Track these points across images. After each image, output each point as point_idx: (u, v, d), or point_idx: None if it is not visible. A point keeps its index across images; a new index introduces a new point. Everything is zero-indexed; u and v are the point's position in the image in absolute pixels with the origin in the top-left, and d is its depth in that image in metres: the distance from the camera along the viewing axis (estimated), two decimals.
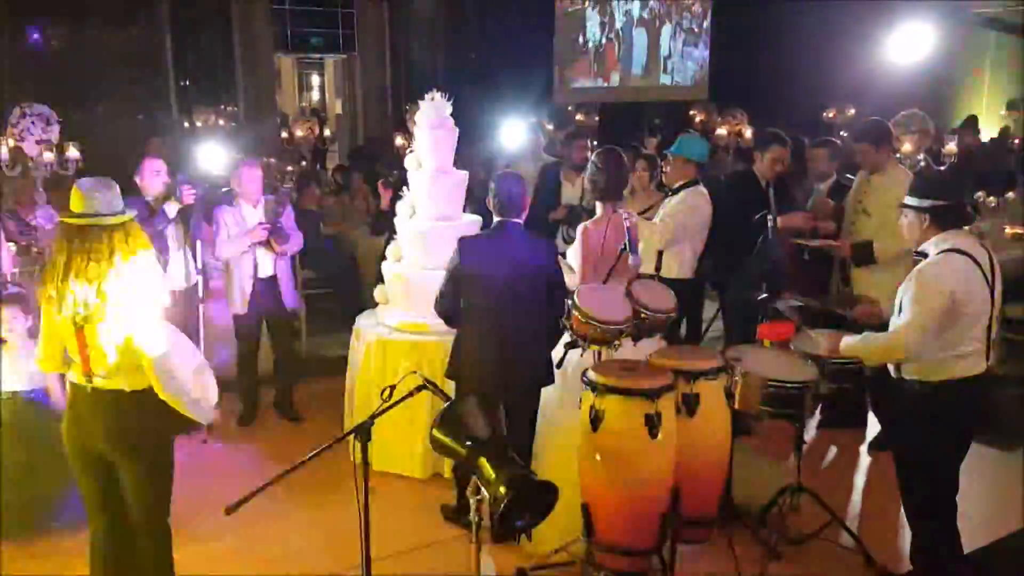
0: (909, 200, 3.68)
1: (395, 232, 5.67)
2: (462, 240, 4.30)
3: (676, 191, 5.53)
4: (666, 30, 16.07)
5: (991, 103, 14.45)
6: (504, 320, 4.18)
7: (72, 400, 3.40)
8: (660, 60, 16.18)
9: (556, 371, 4.22)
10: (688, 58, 16.33)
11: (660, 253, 5.33)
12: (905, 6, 11.63)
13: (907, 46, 11.15)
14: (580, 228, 4.53)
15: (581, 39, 15.73)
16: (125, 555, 3.51)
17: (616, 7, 15.73)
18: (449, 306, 4.31)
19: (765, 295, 4.66)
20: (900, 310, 3.63)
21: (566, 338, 4.08)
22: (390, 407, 3.21)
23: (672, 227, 5.31)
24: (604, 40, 15.86)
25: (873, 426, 5.67)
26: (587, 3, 15.70)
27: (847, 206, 5.49)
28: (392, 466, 5.12)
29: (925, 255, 3.62)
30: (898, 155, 9.50)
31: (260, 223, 5.67)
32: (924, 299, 3.50)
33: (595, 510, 3.67)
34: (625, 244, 4.15)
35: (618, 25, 15.83)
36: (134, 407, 3.31)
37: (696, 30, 16.23)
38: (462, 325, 4.33)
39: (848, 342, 3.81)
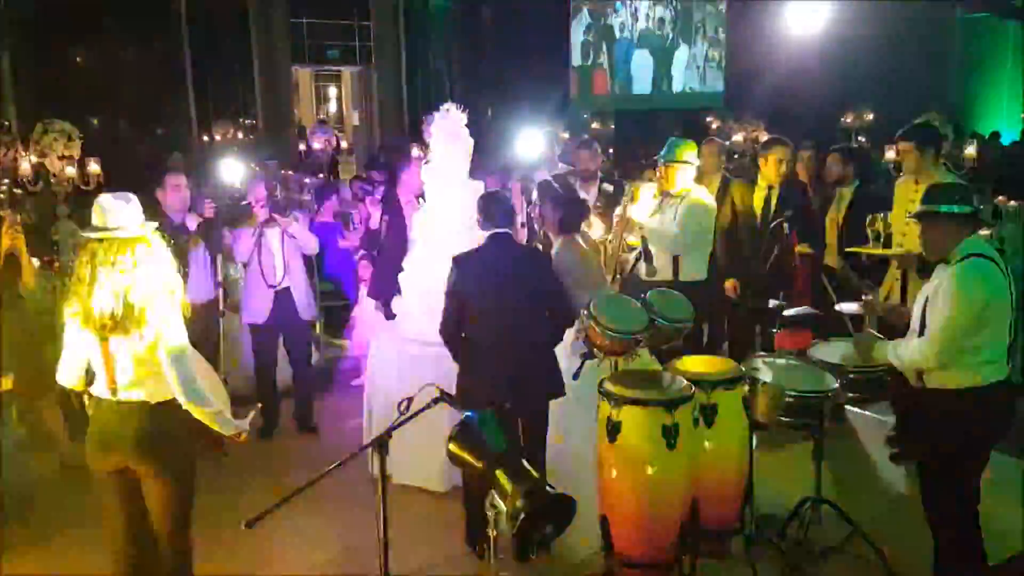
0: (928, 209, 3.65)
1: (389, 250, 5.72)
2: (456, 258, 4.25)
3: (676, 196, 5.52)
4: (680, 50, 16.09)
5: (1011, 107, 14.34)
6: (504, 334, 4.12)
7: (96, 413, 3.44)
8: (674, 70, 16.20)
9: (573, 381, 4.21)
10: (703, 67, 16.34)
11: (675, 259, 5.35)
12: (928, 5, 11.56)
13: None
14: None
15: (592, 54, 15.79)
16: (146, 570, 3.53)
17: (623, 17, 15.76)
18: (453, 329, 4.23)
19: (782, 303, 4.65)
20: (923, 316, 3.60)
21: (582, 348, 4.08)
22: (408, 419, 3.22)
23: (683, 235, 5.33)
24: (607, 58, 15.92)
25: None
26: (592, 18, 15.78)
27: (891, 214, 5.39)
28: (411, 479, 5.12)
29: (946, 261, 3.60)
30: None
31: (258, 200, 5.71)
32: (957, 306, 3.47)
33: (613, 522, 3.66)
34: (640, 254, 4.15)
35: (623, 41, 15.89)
36: (158, 418, 3.34)
37: (711, 39, 16.24)
38: (465, 345, 4.25)
39: (882, 348, 3.79)
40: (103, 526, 3.51)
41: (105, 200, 3.34)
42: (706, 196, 5.58)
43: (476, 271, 4.18)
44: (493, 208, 4.28)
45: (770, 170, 5.63)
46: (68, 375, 3.48)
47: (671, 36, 16.05)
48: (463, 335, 4.22)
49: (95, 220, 3.33)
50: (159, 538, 3.50)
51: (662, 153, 5.58)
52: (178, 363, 3.28)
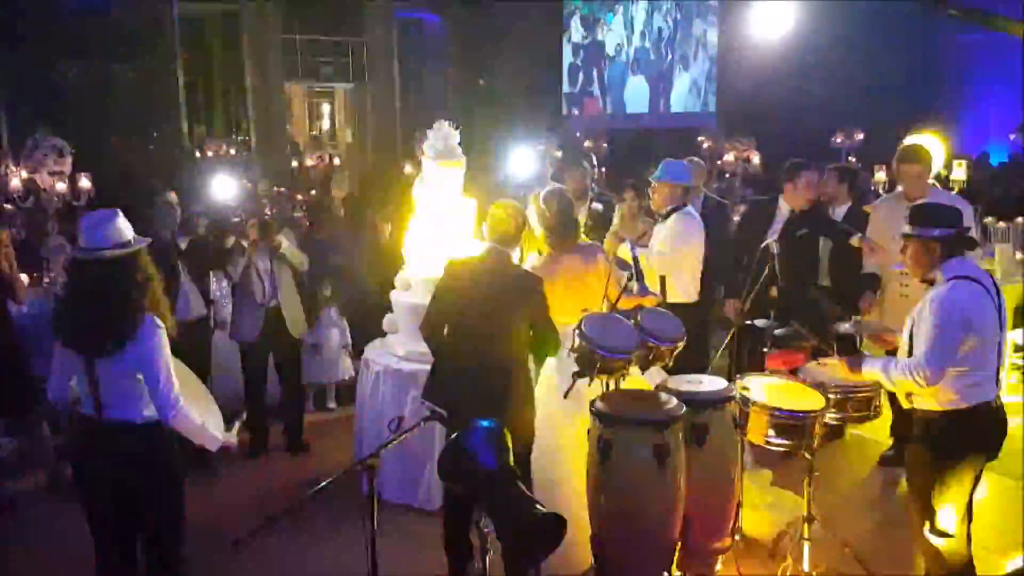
0: (914, 231, 3.67)
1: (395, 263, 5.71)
2: (448, 261, 4.23)
3: (666, 216, 5.55)
4: (678, 73, 16.14)
5: (1000, 127, 14.46)
6: (477, 347, 4.03)
7: (83, 433, 3.41)
8: (666, 91, 16.29)
9: (564, 400, 4.19)
10: (702, 87, 16.43)
11: (662, 279, 5.37)
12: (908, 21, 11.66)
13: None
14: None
15: (582, 78, 15.87)
16: None
17: (617, 37, 15.85)
18: (430, 328, 4.18)
19: (774, 323, 4.65)
20: (910, 338, 3.62)
21: (573, 367, 4.07)
22: (397, 438, 3.22)
23: (670, 255, 5.35)
24: (599, 84, 15.99)
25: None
26: (583, 27, 15.85)
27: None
28: (401, 497, 5.09)
29: (931, 282, 3.62)
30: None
31: (247, 221, 5.71)
32: (942, 328, 3.48)
33: (604, 540, 3.65)
34: (631, 274, 4.16)
35: (618, 64, 15.95)
36: (145, 438, 3.32)
37: (702, 59, 16.33)
38: (439, 348, 4.19)
39: (869, 366, 3.79)
40: (94, 544, 3.48)
41: (85, 220, 3.33)
42: (695, 216, 5.59)
43: (458, 277, 4.12)
44: (492, 222, 4.17)
45: (800, 195, 5.65)
46: (56, 393, 3.46)
47: (669, 59, 16.11)
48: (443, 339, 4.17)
49: (79, 240, 3.31)
50: (151, 557, 3.47)
51: (655, 172, 5.61)
52: (161, 382, 3.25)
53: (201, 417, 3.36)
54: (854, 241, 5.46)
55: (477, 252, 4.24)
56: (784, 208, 5.73)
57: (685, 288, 5.56)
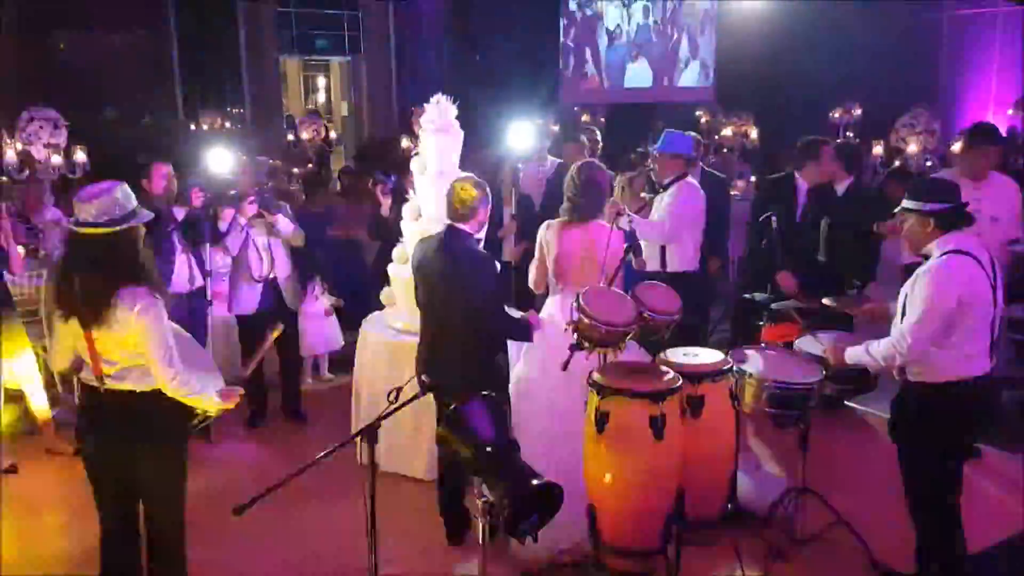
0: (911, 204, 3.69)
1: (395, 237, 5.71)
2: (418, 242, 4.46)
3: (667, 187, 5.56)
4: (681, 48, 15.94)
5: (998, 103, 14.41)
6: (437, 321, 4.31)
7: (87, 403, 3.45)
8: (669, 71, 16.14)
9: (562, 372, 4.20)
10: (693, 61, 16.29)
11: (663, 249, 5.38)
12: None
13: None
14: (544, 225, 4.58)
15: (575, 60, 15.70)
16: (137, 560, 3.54)
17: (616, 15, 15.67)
18: (417, 303, 4.48)
19: (769, 296, 4.68)
20: (903, 312, 3.65)
21: (571, 340, 4.09)
22: (396, 409, 3.24)
23: (671, 224, 5.36)
24: (593, 64, 15.81)
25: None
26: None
27: None
28: (399, 467, 5.14)
29: (927, 257, 3.64)
30: (904, 155, 9.53)
31: (247, 197, 5.70)
32: (931, 301, 3.51)
33: (600, 511, 3.69)
34: (629, 246, 4.17)
35: (618, 47, 15.77)
36: (147, 407, 3.35)
37: (701, 34, 16.17)
38: (420, 326, 4.48)
39: (851, 353, 3.82)
40: (97, 510, 3.51)
41: (81, 194, 3.33)
42: (696, 187, 5.60)
43: (422, 257, 4.36)
44: (448, 201, 4.32)
45: (822, 170, 5.73)
46: (58, 362, 3.51)
47: (675, 37, 15.88)
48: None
49: (76, 212, 3.32)
50: (152, 526, 3.51)
51: (657, 143, 5.63)
52: (161, 352, 3.27)
53: (201, 383, 3.38)
54: (881, 229, 5.45)
55: (438, 231, 4.39)
56: (803, 184, 5.79)
57: (686, 258, 5.57)
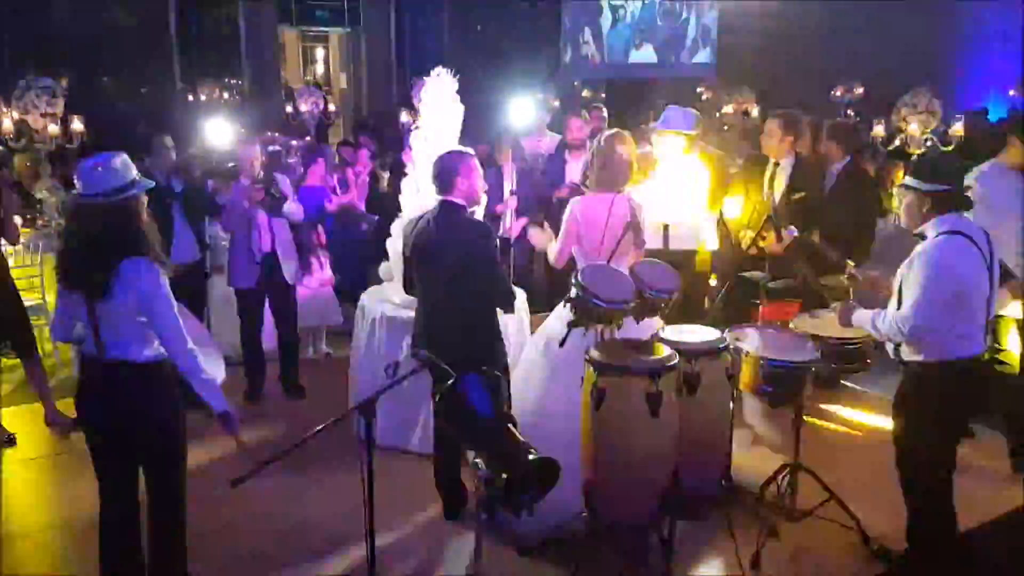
0: (910, 182, 3.69)
1: (393, 212, 5.70)
2: (409, 221, 4.41)
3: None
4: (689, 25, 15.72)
5: (1000, 83, 14.35)
6: (438, 299, 4.25)
7: (87, 373, 3.47)
8: (667, 39, 15.97)
9: (559, 349, 4.22)
10: (699, 41, 16.11)
11: (666, 227, 5.36)
12: None
13: None
14: (572, 202, 4.55)
15: (571, 45, 15.52)
16: (137, 532, 3.57)
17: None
18: (406, 283, 4.49)
19: (767, 276, 4.69)
20: (899, 292, 3.66)
21: (569, 316, 4.10)
22: (394, 384, 3.25)
23: (675, 203, 5.34)
24: (593, 47, 15.61)
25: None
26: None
27: None
28: (397, 442, 5.16)
29: (923, 237, 3.65)
30: (903, 134, 9.50)
31: (253, 182, 5.68)
32: (928, 281, 3.52)
33: (596, 487, 3.72)
34: (628, 223, 4.16)
35: (622, 27, 15.55)
36: (145, 378, 3.37)
37: (707, 12, 15.99)
38: (416, 297, 4.47)
39: (859, 316, 3.84)
40: (97, 479, 3.53)
41: (82, 164, 3.33)
42: (699, 165, 5.58)
43: (415, 236, 4.30)
44: (436, 174, 4.29)
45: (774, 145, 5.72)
46: (59, 333, 3.52)
47: (681, 15, 15.64)
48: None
49: (77, 183, 3.32)
50: (152, 498, 3.54)
51: (658, 121, 5.60)
52: (166, 327, 3.28)
53: (208, 368, 3.40)
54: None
55: (431, 208, 4.35)
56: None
57: (687, 235, 5.54)
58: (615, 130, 4.67)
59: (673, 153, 5.55)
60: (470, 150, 4.51)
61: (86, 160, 3.36)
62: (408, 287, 4.52)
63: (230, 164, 5.89)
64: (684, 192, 5.45)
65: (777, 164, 5.83)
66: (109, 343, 3.33)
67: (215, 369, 3.50)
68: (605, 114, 8.95)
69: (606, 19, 15.45)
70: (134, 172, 3.36)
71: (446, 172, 4.26)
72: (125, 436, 3.42)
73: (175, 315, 3.32)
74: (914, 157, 8.31)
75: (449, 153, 4.40)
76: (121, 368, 3.35)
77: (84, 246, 3.29)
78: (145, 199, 3.42)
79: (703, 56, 15.58)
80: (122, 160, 3.35)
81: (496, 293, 4.27)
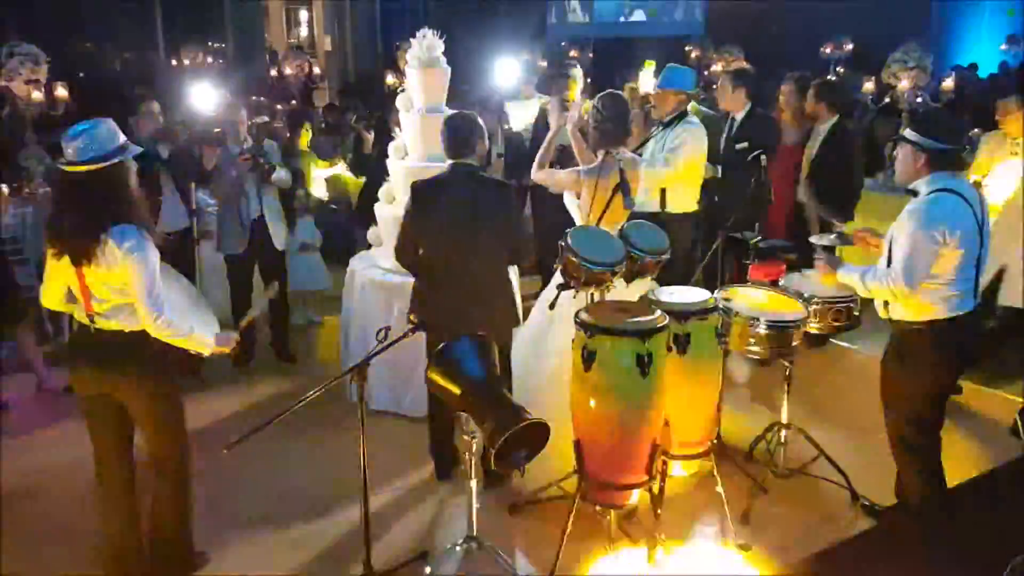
0: (909, 135, 3.68)
1: (378, 175, 5.66)
2: (414, 185, 4.24)
3: (668, 124, 5.50)
4: None
5: (990, 38, 14.29)
6: (459, 265, 4.14)
7: (78, 340, 3.48)
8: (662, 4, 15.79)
9: (548, 312, 4.23)
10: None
11: (663, 192, 5.32)
12: None
13: None
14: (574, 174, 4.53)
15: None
16: (131, 489, 3.60)
17: None
18: (409, 259, 4.26)
19: (757, 235, 4.69)
20: (890, 248, 3.66)
21: (558, 279, 4.11)
22: (385, 347, 3.27)
23: (677, 164, 5.30)
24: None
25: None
26: None
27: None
28: (389, 405, 5.19)
29: (916, 193, 3.64)
30: (893, 91, 9.46)
31: (242, 153, 5.63)
32: (916, 239, 3.52)
33: (587, 447, 3.75)
34: (617, 187, 4.14)
35: None
36: (136, 346, 3.37)
37: None
38: (420, 271, 4.29)
39: (845, 272, 3.84)
40: (93, 447, 3.55)
41: (67, 133, 3.29)
42: (699, 125, 5.53)
43: (431, 201, 4.17)
44: (450, 136, 4.20)
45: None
46: (50, 299, 3.50)
47: None
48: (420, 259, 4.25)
49: (63, 150, 3.29)
50: (153, 464, 3.56)
51: (657, 80, 5.55)
52: (145, 291, 3.27)
53: (188, 324, 3.39)
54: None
55: (442, 170, 4.24)
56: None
57: (686, 198, 5.51)
58: (608, 90, 4.63)
59: (674, 111, 5.48)
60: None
61: (71, 127, 3.32)
62: (406, 254, 4.30)
63: (216, 130, 5.82)
64: (688, 154, 5.39)
65: (733, 118, 6.04)
66: (98, 311, 3.33)
67: (207, 329, 3.51)
68: (577, 76, 8.81)
69: None
70: (121, 138, 3.33)
71: (464, 134, 4.19)
72: (116, 400, 3.43)
73: (155, 284, 3.28)
74: (904, 113, 8.28)
75: (461, 115, 4.31)
76: (110, 336, 3.35)
77: (73, 213, 3.27)
78: (134, 165, 3.40)
79: (692, 15, 15.46)
80: (107, 127, 3.32)
81: (521, 250, 4.22)
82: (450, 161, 4.23)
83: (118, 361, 3.38)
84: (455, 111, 4.55)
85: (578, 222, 4.52)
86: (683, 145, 5.36)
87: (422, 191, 4.22)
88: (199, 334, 3.41)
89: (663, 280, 4.41)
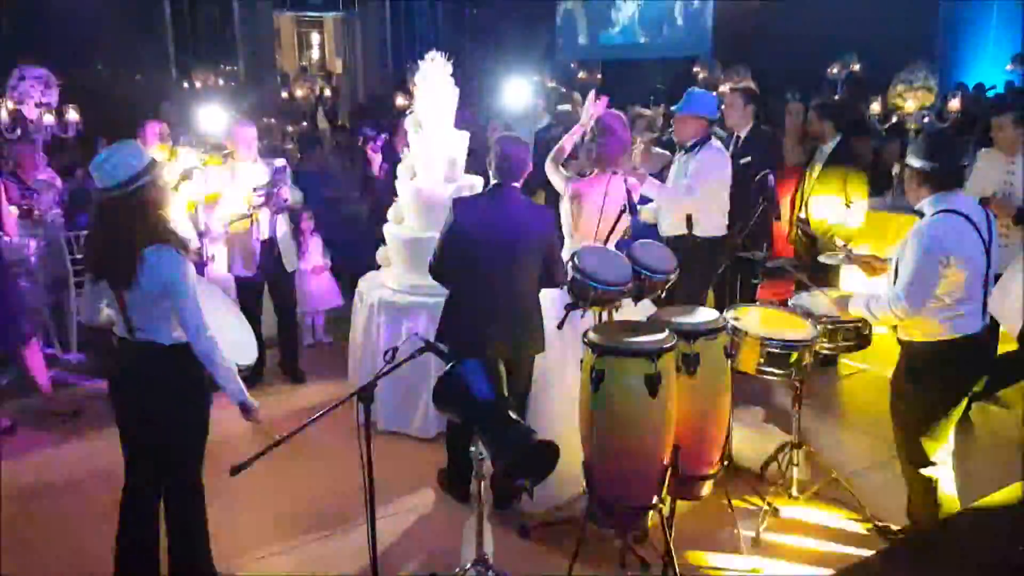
0: (907, 159, 3.69)
1: (386, 196, 5.68)
2: (457, 201, 4.23)
3: (691, 149, 5.37)
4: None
5: (996, 58, 14.29)
6: (495, 285, 4.11)
7: (120, 354, 3.53)
8: (661, 18, 15.89)
9: (558, 331, 4.23)
10: (690, 15, 16.03)
11: (688, 217, 5.26)
12: None
13: None
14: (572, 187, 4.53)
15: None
16: (156, 512, 3.63)
17: None
18: (444, 269, 4.24)
19: (765, 255, 4.68)
20: (896, 269, 3.66)
21: (567, 299, 4.10)
22: (393, 368, 3.26)
23: (698, 191, 5.20)
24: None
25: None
26: None
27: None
28: (397, 426, 5.18)
29: (921, 214, 3.64)
30: (900, 111, 9.46)
31: (255, 189, 5.65)
32: (920, 260, 3.52)
33: (596, 468, 3.72)
34: (624, 205, 4.15)
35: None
36: (173, 359, 3.43)
37: None
38: (454, 288, 4.27)
39: (854, 305, 3.86)
40: (124, 460, 3.60)
41: (97, 158, 3.36)
42: (722, 150, 5.47)
43: (474, 218, 4.13)
44: (502, 159, 4.16)
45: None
46: (89, 315, 3.62)
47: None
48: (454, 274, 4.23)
49: (94, 175, 3.35)
50: (173, 480, 3.61)
51: (678, 104, 5.47)
52: (186, 313, 3.33)
53: (229, 337, 3.48)
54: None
55: (484, 190, 4.27)
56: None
57: (713, 223, 5.38)
58: (611, 111, 4.63)
59: (695, 137, 5.36)
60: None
61: (98, 154, 3.42)
62: (443, 273, 4.26)
63: (225, 151, 5.86)
64: (712, 179, 5.33)
65: (738, 136, 6.04)
66: (138, 326, 3.40)
67: (246, 351, 3.54)
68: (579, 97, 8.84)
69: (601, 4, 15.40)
70: (146, 159, 3.38)
71: (518, 161, 4.17)
72: (152, 417, 3.48)
73: (196, 302, 3.36)
74: (911, 133, 8.29)
75: (516, 141, 4.30)
76: (150, 349, 3.42)
77: (108, 237, 3.36)
78: (164, 183, 3.47)
79: (699, 37, 15.55)
80: (130, 148, 3.40)
81: (555, 274, 4.19)
82: (495, 182, 4.21)
83: (155, 374, 3.44)
84: (508, 134, 4.56)
85: (565, 229, 4.52)
86: (705, 172, 5.23)
87: (466, 206, 4.21)
88: (231, 371, 3.47)
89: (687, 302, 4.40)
